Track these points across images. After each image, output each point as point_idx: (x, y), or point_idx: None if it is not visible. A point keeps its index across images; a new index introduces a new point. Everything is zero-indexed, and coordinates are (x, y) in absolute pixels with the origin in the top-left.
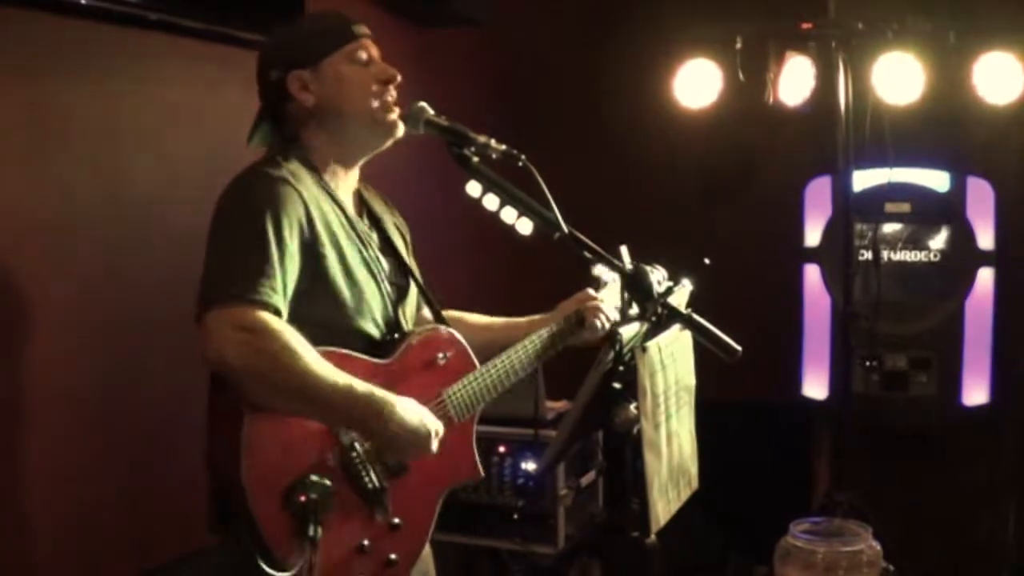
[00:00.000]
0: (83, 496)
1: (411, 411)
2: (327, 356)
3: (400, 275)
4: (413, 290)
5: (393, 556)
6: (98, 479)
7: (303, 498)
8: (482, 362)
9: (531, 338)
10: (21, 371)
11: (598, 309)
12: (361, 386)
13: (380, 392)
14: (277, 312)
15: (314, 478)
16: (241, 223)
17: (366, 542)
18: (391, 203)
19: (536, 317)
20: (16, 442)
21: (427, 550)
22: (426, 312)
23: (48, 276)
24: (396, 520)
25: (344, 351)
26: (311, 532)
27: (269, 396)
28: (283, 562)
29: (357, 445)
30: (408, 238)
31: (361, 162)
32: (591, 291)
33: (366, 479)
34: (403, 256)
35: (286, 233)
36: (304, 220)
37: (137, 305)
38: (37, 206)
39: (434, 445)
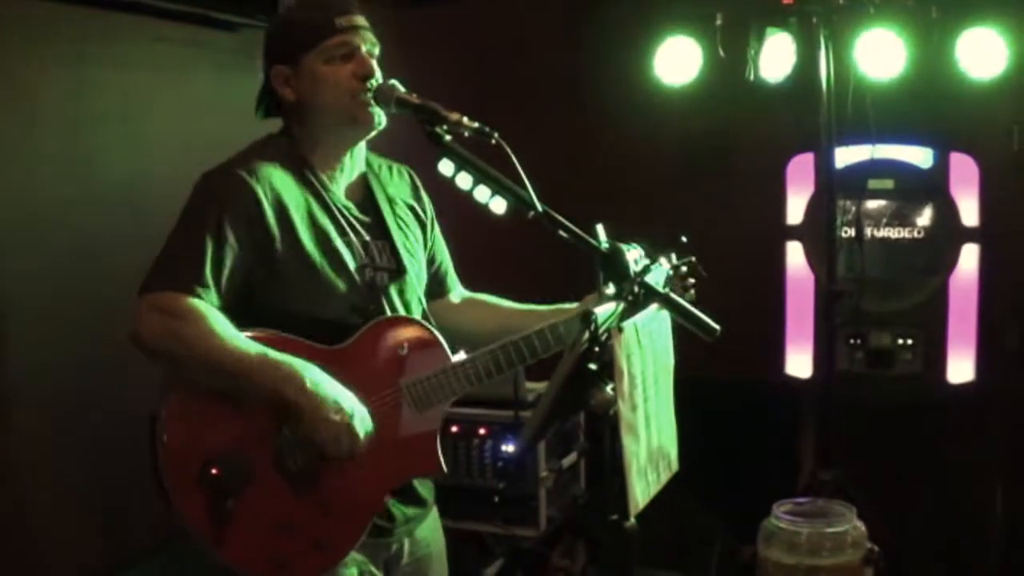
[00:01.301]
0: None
1: (325, 384)
2: (265, 338)
3: (395, 259)
4: (422, 275)
5: (322, 539)
6: (74, 470)
7: (215, 471)
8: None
9: (527, 335)
10: None
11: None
12: (274, 354)
13: (295, 361)
14: (204, 300)
15: (230, 453)
16: (187, 219)
17: (291, 521)
18: (418, 180)
19: (567, 307)
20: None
21: (433, 533)
22: (452, 297)
23: (18, 265)
24: (329, 506)
25: (284, 335)
26: (225, 507)
27: (182, 371)
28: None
29: (285, 428)
30: (427, 220)
31: (352, 150)
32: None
33: (289, 461)
34: (399, 240)
35: (227, 228)
36: (253, 216)
37: (110, 293)
38: (4, 194)
39: (349, 436)
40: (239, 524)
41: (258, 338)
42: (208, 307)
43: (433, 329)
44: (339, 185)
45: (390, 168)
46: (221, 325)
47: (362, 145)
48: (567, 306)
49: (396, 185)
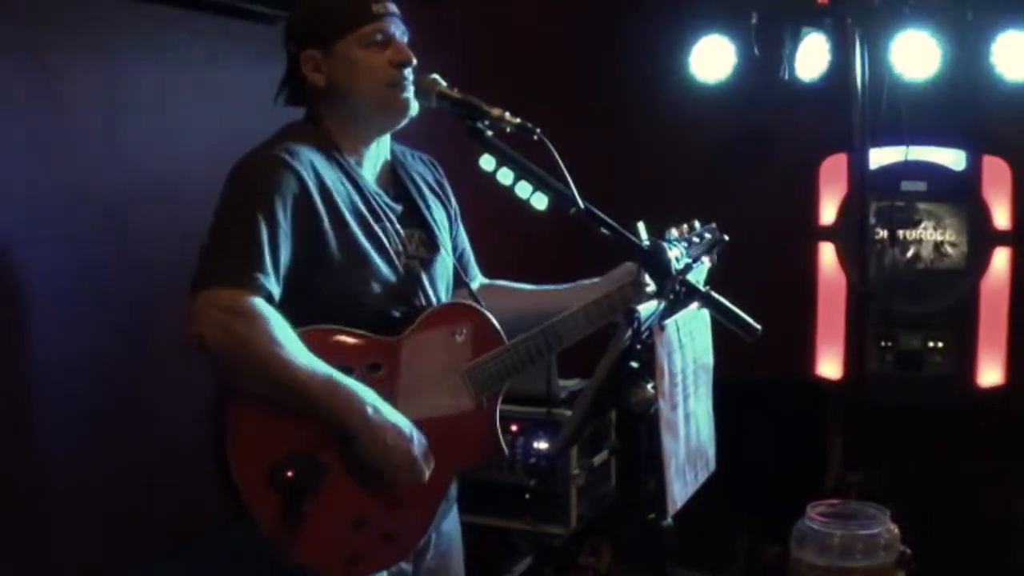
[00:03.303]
0: (99, 479)
1: (385, 411)
2: (325, 335)
3: (428, 248)
4: (449, 263)
5: (393, 532)
6: (112, 462)
7: (290, 474)
8: (528, 331)
9: (566, 315)
10: (28, 354)
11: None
12: (339, 377)
13: (358, 387)
14: (268, 296)
15: (303, 453)
16: (234, 206)
17: (364, 517)
18: (440, 168)
19: (584, 283)
20: (26, 428)
21: (454, 527)
22: (472, 284)
23: (54, 256)
24: (398, 497)
25: (345, 328)
26: (300, 509)
27: (244, 380)
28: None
29: None
30: (451, 208)
31: (380, 138)
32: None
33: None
34: (432, 228)
35: (279, 214)
36: (300, 198)
37: (145, 285)
38: (41, 184)
39: (407, 473)
40: (314, 524)
41: (319, 334)
42: (269, 309)
43: (486, 312)
44: (368, 172)
45: (413, 156)
46: (286, 335)
47: (388, 133)
48: (586, 282)
49: (421, 173)
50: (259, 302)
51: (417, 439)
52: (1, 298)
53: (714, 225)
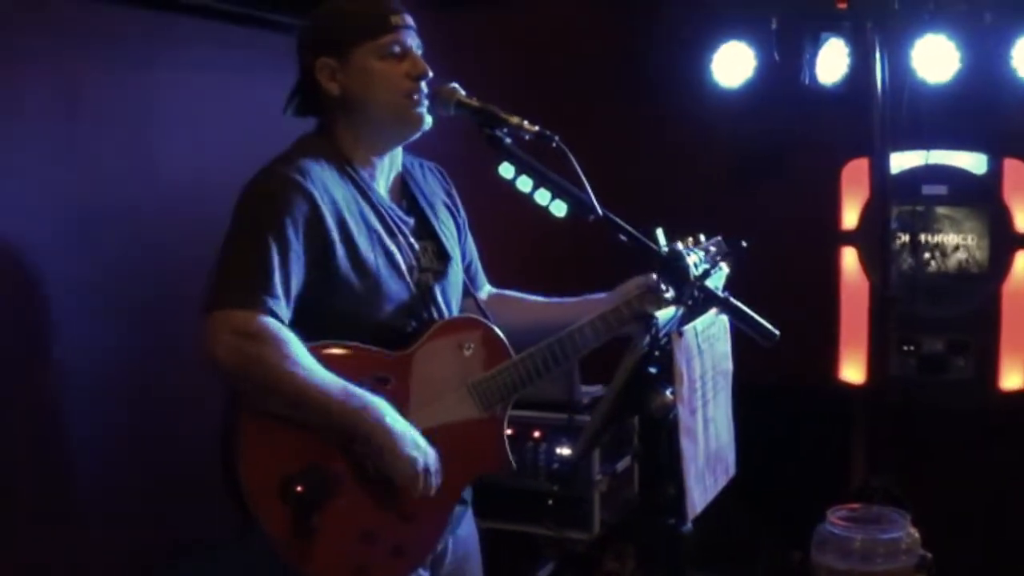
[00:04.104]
0: (121, 482)
1: (401, 423)
2: (331, 348)
3: (440, 260)
4: (459, 274)
5: (402, 546)
6: (133, 465)
7: (299, 489)
8: (535, 343)
9: (579, 325)
10: (54, 360)
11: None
12: (354, 390)
13: (373, 399)
14: (277, 317)
15: (313, 467)
16: (245, 227)
17: (373, 531)
18: (448, 178)
19: (593, 297)
20: (48, 430)
21: (471, 533)
22: (481, 295)
23: (80, 264)
24: (407, 510)
25: (353, 344)
26: (310, 523)
27: (259, 398)
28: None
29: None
30: (460, 218)
31: (393, 150)
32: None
33: (370, 467)
34: (444, 240)
35: (290, 234)
36: (311, 218)
37: (170, 293)
38: (69, 193)
39: (420, 483)
40: (323, 537)
41: (329, 349)
42: (282, 328)
43: (493, 326)
44: (380, 185)
45: (422, 166)
46: (300, 352)
47: (400, 146)
48: (593, 297)
49: (431, 184)
50: (270, 321)
51: (429, 451)
52: (29, 304)
53: (720, 237)
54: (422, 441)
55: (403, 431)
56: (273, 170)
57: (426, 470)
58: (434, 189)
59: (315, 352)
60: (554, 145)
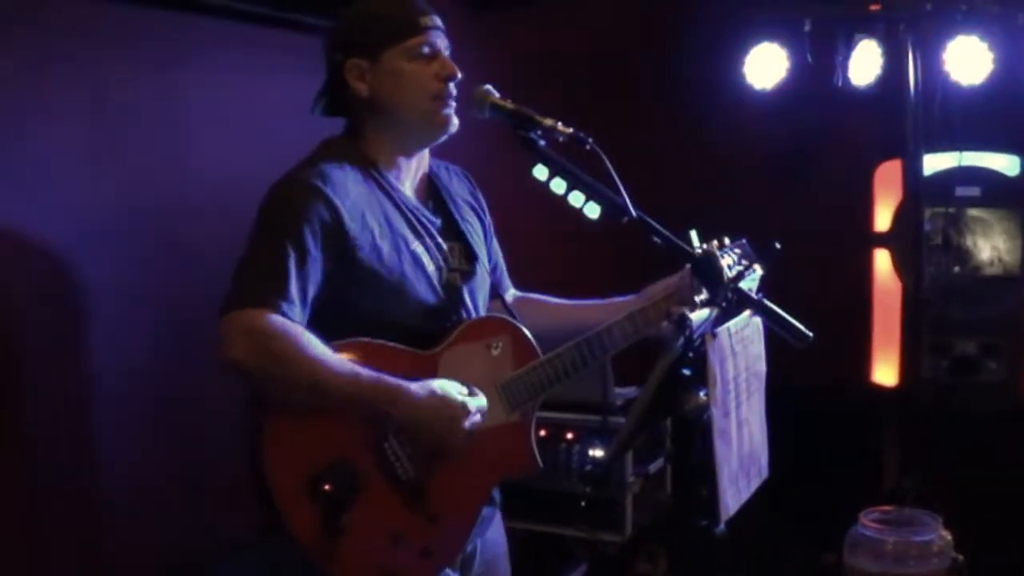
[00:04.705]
0: (149, 484)
1: (424, 394)
2: (361, 347)
3: (468, 260)
4: (486, 276)
5: (430, 547)
6: (158, 464)
7: (328, 487)
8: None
9: (606, 326)
10: (85, 362)
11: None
12: (367, 374)
13: (389, 379)
14: (291, 320)
15: (339, 467)
16: (264, 233)
17: (400, 533)
18: (472, 180)
19: (620, 299)
20: (83, 431)
21: (500, 535)
22: (507, 297)
23: (111, 267)
24: (435, 512)
25: (381, 342)
26: (339, 522)
27: (281, 394)
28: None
29: (391, 435)
30: (486, 219)
31: (420, 152)
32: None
33: (399, 469)
34: (471, 241)
35: (309, 240)
36: (331, 224)
37: (198, 292)
38: (98, 194)
39: (463, 423)
40: (351, 538)
41: (352, 347)
42: (296, 326)
43: (521, 326)
44: (406, 186)
45: (447, 169)
46: (314, 345)
47: (427, 147)
48: (620, 299)
49: (456, 186)
50: (279, 319)
51: (458, 400)
52: (60, 305)
53: (745, 240)
54: (454, 391)
55: (428, 384)
56: (295, 176)
57: (462, 408)
58: (460, 191)
59: (343, 349)
60: (588, 147)
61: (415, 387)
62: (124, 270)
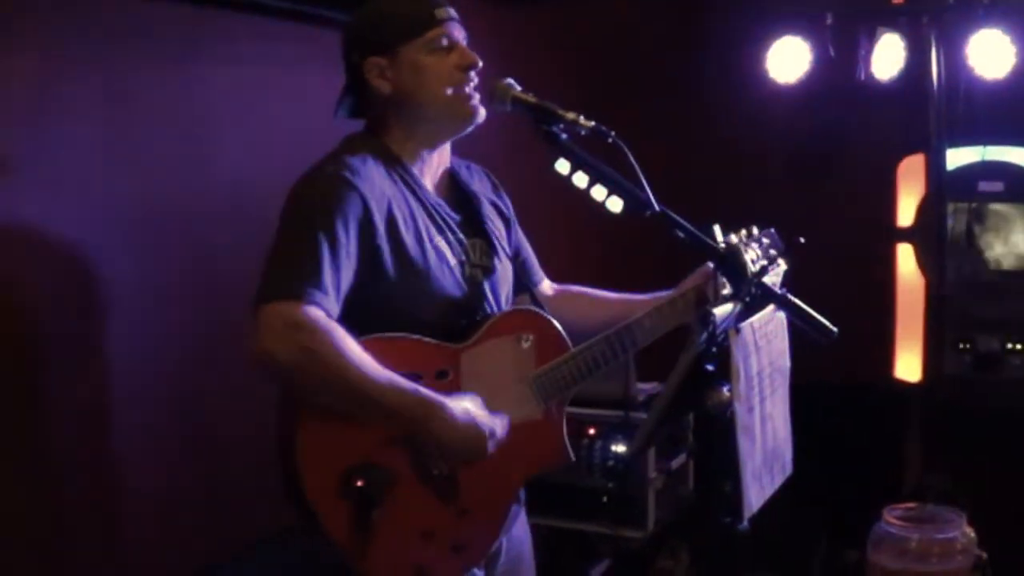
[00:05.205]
0: (171, 480)
1: (460, 414)
2: (392, 343)
3: (489, 256)
4: (509, 271)
5: (462, 543)
6: (182, 463)
7: (360, 483)
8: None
9: (638, 317)
10: (107, 358)
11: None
12: (409, 389)
13: (428, 395)
14: (324, 310)
15: (372, 462)
16: (298, 224)
17: (433, 528)
18: (494, 178)
19: (661, 294)
20: (105, 427)
21: (524, 532)
22: (543, 288)
23: (132, 263)
24: (466, 507)
25: (413, 336)
26: (370, 518)
27: (314, 393)
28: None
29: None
30: (509, 216)
31: (444, 145)
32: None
33: (433, 468)
34: (492, 236)
35: (340, 231)
36: (361, 217)
37: (223, 291)
38: (119, 192)
39: (489, 447)
40: (383, 534)
41: (385, 342)
42: (332, 323)
43: (551, 319)
44: (429, 183)
45: (468, 168)
46: (349, 346)
47: (449, 142)
48: (662, 294)
49: (477, 183)
50: (319, 313)
51: (487, 428)
52: (79, 302)
53: (773, 230)
54: (483, 418)
55: (459, 402)
56: (323, 169)
57: (491, 435)
58: (481, 188)
59: (372, 343)
60: (610, 140)
61: (452, 405)
62: (146, 267)
